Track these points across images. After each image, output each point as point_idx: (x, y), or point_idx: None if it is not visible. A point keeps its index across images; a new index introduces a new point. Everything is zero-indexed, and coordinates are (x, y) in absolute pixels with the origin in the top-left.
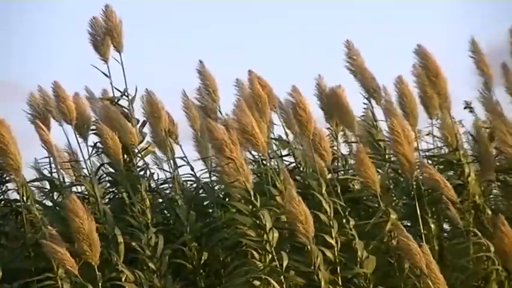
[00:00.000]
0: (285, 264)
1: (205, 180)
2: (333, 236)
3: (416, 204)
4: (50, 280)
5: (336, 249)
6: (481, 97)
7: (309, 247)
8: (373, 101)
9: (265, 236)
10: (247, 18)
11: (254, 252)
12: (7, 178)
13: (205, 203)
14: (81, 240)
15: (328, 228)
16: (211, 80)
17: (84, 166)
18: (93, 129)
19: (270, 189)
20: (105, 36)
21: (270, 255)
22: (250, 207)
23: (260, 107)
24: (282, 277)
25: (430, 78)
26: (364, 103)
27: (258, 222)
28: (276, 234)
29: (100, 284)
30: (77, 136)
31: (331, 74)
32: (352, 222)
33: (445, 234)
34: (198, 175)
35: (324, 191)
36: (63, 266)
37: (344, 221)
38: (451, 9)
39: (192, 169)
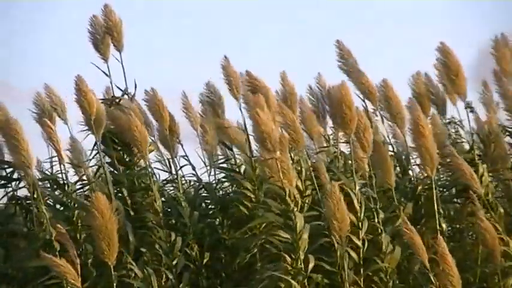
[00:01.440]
0: (310, 266)
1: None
2: (360, 237)
3: (434, 203)
4: (55, 279)
5: (362, 250)
6: (481, 98)
7: (336, 246)
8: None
9: (295, 237)
10: (249, 16)
11: (285, 254)
12: (18, 176)
13: (207, 203)
14: (101, 239)
15: (355, 229)
16: (235, 76)
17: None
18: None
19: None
20: (105, 35)
21: (298, 257)
22: (284, 206)
23: (290, 105)
24: (306, 280)
25: (449, 77)
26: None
27: (289, 222)
28: (306, 236)
29: (115, 284)
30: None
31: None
32: (381, 215)
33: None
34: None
35: (357, 190)
36: (65, 279)
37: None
38: (449, 8)
39: (194, 168)
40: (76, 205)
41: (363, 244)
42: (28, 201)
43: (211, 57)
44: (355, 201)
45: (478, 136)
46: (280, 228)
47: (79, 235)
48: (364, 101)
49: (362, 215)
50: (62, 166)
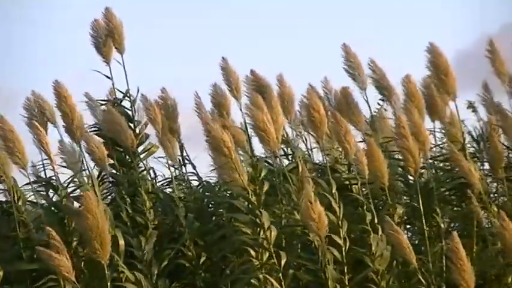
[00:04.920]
0: (283, 262)
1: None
2: (341, 236)
3: (420, 202)
4: (52, 281)
5: (344, 249)
6: (482, 99)
7: (316, 245)
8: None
9: (262, 234)
10: (248, 16)
11: (251, 251)
12: None
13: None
14: (92, 238)
15: (337, 228)
16: (234, 77)
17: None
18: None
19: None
20: (106, 38)
21: (268, 253)
22: (247, 204)
23: (286, 105)
24: (280, 275)
25: (439, 77)
26: (379, 101)
27: (256, 219)
28: (274, 232)
29: (108, 284)
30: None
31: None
32: (368, 217)
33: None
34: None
35: (334, 190)
36: (60, 272)
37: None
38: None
39: (194, 167)
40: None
41: (345, 243)
42: (8, 205)
43: (210, 57)
44: (333, 202)
45: (470, 135)
46: (248, 226)
47: (71, 238)
48: (367, 101)
49: (341, 215)
50: (53, 169)
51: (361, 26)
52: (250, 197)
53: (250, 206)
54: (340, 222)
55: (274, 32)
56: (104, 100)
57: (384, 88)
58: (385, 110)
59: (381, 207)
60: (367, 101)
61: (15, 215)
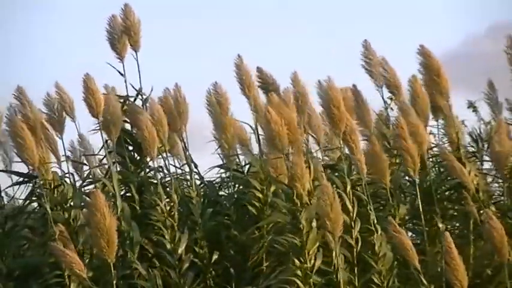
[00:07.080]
0: (317, 264)
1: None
2: (353, 236)
3: (419, 202)
4: (59, 278)
5: (355, 250)
6: (486, 98)
7: (332, 246)
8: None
9: (302, 237)
10: (252, 16)
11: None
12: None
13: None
14: (99, 236)
15: (348, 228)
16: (247, 74)
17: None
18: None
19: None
20: (122, 34)
21: (305, 258)
22: (291, 205)
23: (301, 105)
24: (311, 280)
25: (432, 78)
26: (385, 101)
27: (296, 222)
28: (313, 235)
29: (115, 282)
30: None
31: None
32: (373, 217)
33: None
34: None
35: (348, 189)
36: (71, 269)
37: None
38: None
39: (196, 167)
40: (72, 206)
41: (357, 243)
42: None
43: (210, 57)
44: (347, 202)
45: (470, 135)
46: (287, 229)
47: (76, 235)
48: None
49: (354, 214)
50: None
51: (350, 27)
52: (294, 196)
53: (293, 206)
54: (353, 223)
55: (273, 31)
56: (120, 96)
57: (394, 86)
58: (392, 109)
59: (381, 208)
60: (382, 97)
61: (49, 212)
